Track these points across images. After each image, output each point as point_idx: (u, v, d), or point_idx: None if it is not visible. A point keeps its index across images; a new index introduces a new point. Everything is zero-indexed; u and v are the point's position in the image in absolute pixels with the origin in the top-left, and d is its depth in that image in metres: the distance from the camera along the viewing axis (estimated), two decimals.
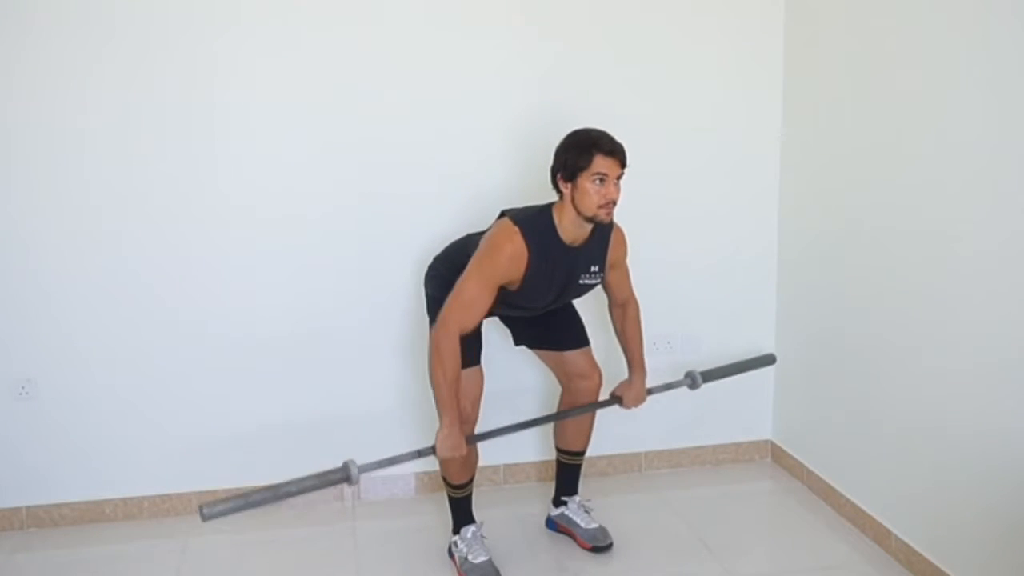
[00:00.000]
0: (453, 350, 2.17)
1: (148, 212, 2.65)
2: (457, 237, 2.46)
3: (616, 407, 2.54)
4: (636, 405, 2.53)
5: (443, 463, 2.43)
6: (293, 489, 2.06)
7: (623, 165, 2.16)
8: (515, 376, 2.89)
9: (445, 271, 2.40)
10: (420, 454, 2.24)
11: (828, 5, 2.70)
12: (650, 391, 2.55)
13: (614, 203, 2.16)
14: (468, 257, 2.30)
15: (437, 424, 2.23)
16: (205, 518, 1.94)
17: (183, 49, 2.59)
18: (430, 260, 2.48)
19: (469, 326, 2.21)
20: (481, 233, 2.43)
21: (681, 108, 2.92)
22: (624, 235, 2.39)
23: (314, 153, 2.72)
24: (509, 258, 2.16)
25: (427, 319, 2.46)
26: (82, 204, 2.61)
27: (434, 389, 2.22)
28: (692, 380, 2.61)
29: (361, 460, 2.67)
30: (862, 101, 2.52)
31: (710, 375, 2.64)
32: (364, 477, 2.88)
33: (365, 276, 2.81)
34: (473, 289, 2.18)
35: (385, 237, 2.80)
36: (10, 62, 2.50)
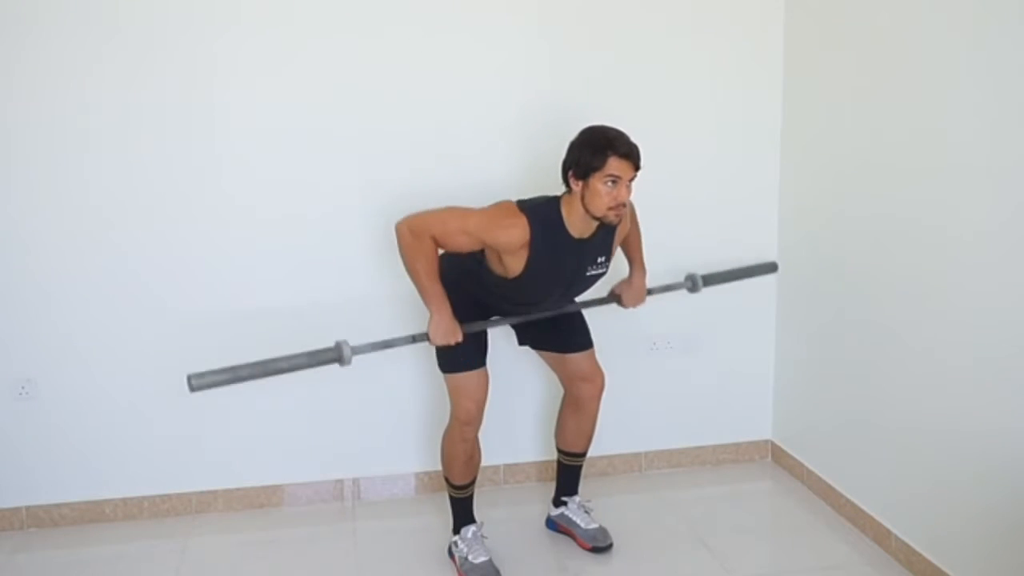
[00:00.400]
0: (425, 243, 2.14)
1: (149, 212, 2.65)
2: None
3: (616, 305, 2.53)
4: (636, 304, 2.51)
5: (447, 464, 2.43)
6: (283, 365, 2.03)
7: (637, 168, 2.14)
8: (518, 376, 2.89)
9: (449, 269, 2.39)
10: (414, 339, 2.22)
11: (828, 6, 2.70)
12: (650, 291, 2.54)
13: (624, 205, 2.14)
14: (473, 256, 2.29)
15: None
16: (193, 388, 1.94)
17: (184, 49, 2.59)
18: None
19: (441, 239, 2.16)
20: None
21: (681, 108, 2.92)
22: (631, 208, 2.35)
23: (315, 152, 2.72)
24: (507, 228, 2.14)
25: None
26: (82, 204, 2.61)
27: (414, 280, 2.20)
28: (692, 283, 2.58)
29: (362, 471, 2.69)
30: (862, 101, 2.52)
31: (711, 279, 2.60)
32: (364, 477, 2.92)
33: (367, 277, 2.80)
34: (460, 217, 2.16)
35: (387, 236, 2.79)
36: (11, 62, 2.51)
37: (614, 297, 2.52)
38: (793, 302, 3.02)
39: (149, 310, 2.70)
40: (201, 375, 1.95)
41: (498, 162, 2.81)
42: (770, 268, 2.82)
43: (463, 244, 2.18)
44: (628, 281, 2.52)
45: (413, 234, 2.16)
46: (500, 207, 2.20)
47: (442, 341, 2.22)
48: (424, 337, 2.23)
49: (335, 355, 2.11)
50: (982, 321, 2.10)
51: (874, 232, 2.50)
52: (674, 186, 2.92)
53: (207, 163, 2.67)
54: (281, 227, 2.74)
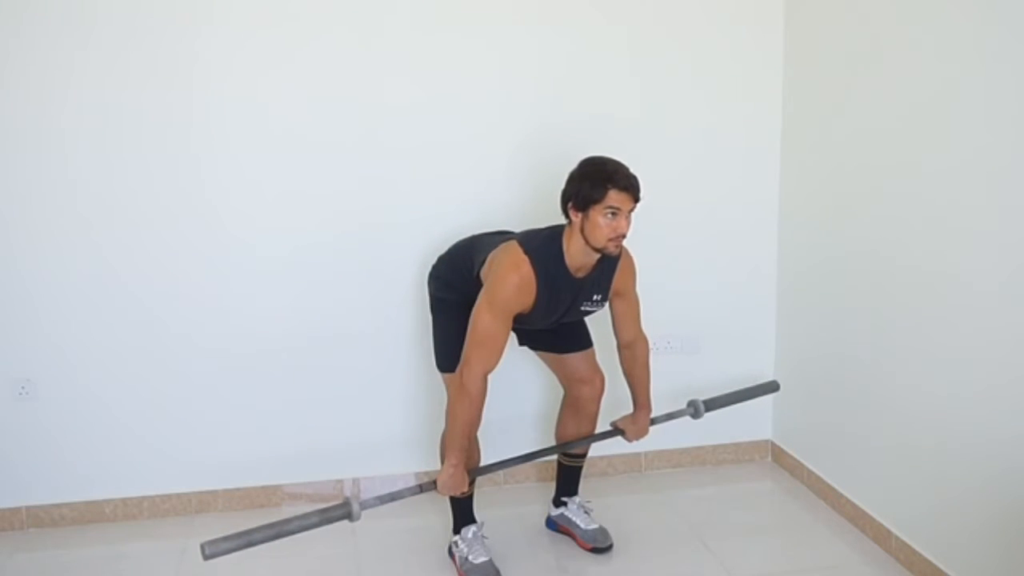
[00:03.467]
0: (479, 393, 2.18)
1: (149, 212, 2.65)
2: (461, 238, 2.46)
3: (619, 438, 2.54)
4: (638, 439, 2.53)
5: (444, 453, 2.43)
6: (294, 527, 2.05)
7: (636, 200, 2.14)
8: (518, 377, 2.89)
9: (447, 271, 2.40)
10: (422, 489, 2.26)
11: (828, 6, 2.70)
12: (653, 421, 2.55)
13: (623, 237, 2.14)
14: (470, 259, 2.30)
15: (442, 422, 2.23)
16: (207, 557, 1.93)
17: (180, 51, 2.59)
18: (433, 260, 2.48)
19: (491, 363, 2.18)
20: (485, 234, 2.43)
21: (681, 108, 2.92)
22: (633, 262, 2.36)
23: (311, 155, 2.72)
24: (518, 287, 2.15)
25: (430, 319, 2.46)
26: (83, 203, 2.61)
27: (448, 426, 2.23)
28: (695, 409, 2.60)
29: (361, 471, 2.71)
30: (862, 101, 2.52)
31: (713, 403, 2.63)
32: (364, 477, 2.92)
33: (366, 278, 2.80)
34: (487, 323, 2.16)
35: (387, 240, 2.80)
36: None
37: (618, 431, 2.53)
38: (793, 302, 3.02)
39: (149, 310, 2.70)
40: (214, 542, 1.95)
41: (500, 162, 2.82)
42: (771, 388, 2.81)
43: (502, 333, 2.19)
44: (632, 418, 2.52)
45: (462, 380, 2.17)
46: (503, 265, 2.18)
47: (449, 493, 2.27)
48: (432, 486, 2.26)
49: (344, 512, 2.12)
50: (982, 321, 2.10)
51: (874, 232, 2.50)
52: (674, 185, 2.92)
53: (208, 165, 2.67)
54: (281, 227, 2.74)
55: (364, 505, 2.15)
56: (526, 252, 2.17)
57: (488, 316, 2.16)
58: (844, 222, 2.66)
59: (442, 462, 2.44)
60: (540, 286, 2.17)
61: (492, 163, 2.81)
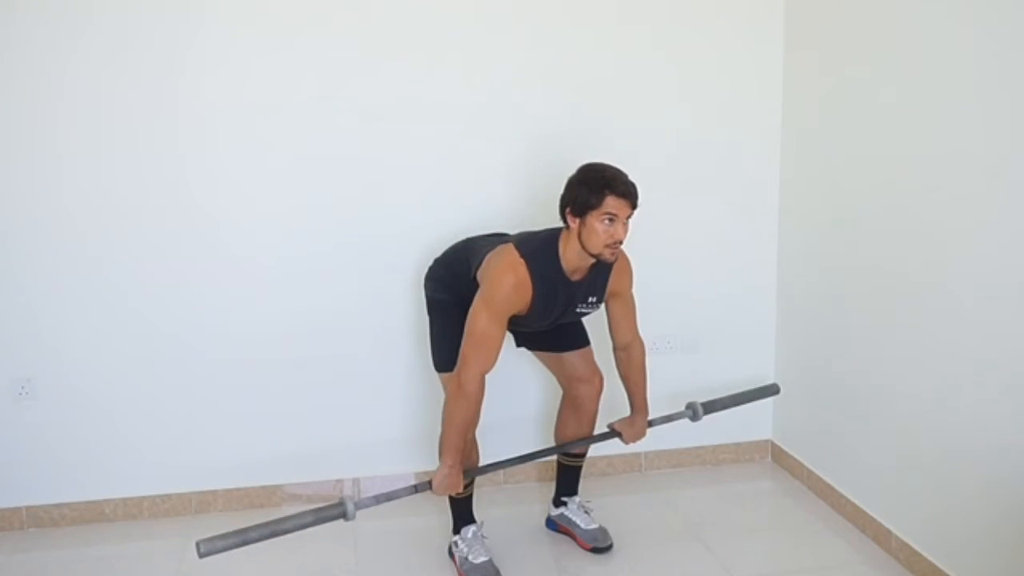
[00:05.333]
0: (476, 393, 2.18)
1: (150, 213, 2.65)
2: (457, 240, 2.46)
3: (616, 440, 2.54)
4: (635, 441, 2.53)
5: (441, 454, 2.43)
6: (290, 526, 2.06)
7: (634, 207, 2.14)
8: (518, 377, 2.89)
9: (444, 273, 2.40)
10: (416, 489, 2.27)
11: (828, 6, 2.70)
12: (650, 423, 2.55)
13: (620, 243, 2.15)
14: (466, 260, 2.30)
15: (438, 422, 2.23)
16: (202, 555, 1.93)
17: (174, 55, 2.59)
18: (430, 262, 2.49)
19: (488, 363, 2.19)
20: (481, 236, 2.44)
21: (681, 108, 2.92)
22: (629, 263, 2.36)
23: (309, 158, 2.72)
24: (514, 288, 2.15)
25: (427, 319, 2.46)
26: (83, 202, 2.61)
27: (445, 426, 2.23)
28: (693, 412, 2.60)
29: (361, 471, 2.70)
30: (862, 100, 2.52)
31: (711, 406, 2.62)
32: (364, 477, 2.92)
33: (364, 278, 2.80)
34: (483, 324, 2.16)
35: (384, 241, 2.80)
36: None
37: (615, 433, 2.53)
38: (793, 302, 3.02)
39: (149, 310, 2.70)
40: (209, 540, 1.95)
41: (498, 163, 2.81)
42: (772, 391, 2.81)
43: (499, 334, 2.19)
44: (630, 421, 2.52)
45: (460, 381, 2.18)
46: (499, 267, 2.18)
47: (444, 493, 2.27)
48: (427, 487, 2.26)
49: (339, 512, 2.12)
50: (983, 321, 2.10)
51: (874, 232, 2.50)
52: (674, 188, 2.93)
53: (209, 166, 2.67)
54: (279, 229, 2.74)
55: (359, 505, 2.15)
56: (522, 255, 2.18)
57: (485, 317, 2.16)
58: (844, 222, 2.66)
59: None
60: (536, 288, 2.18)
61: (489, 167, 2.81)
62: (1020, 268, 1.97)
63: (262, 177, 2.71)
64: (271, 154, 2.70)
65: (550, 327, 2.38)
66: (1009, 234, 1.99)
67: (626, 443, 2.52)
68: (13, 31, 2.49)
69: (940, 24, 2.19)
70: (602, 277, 2.29)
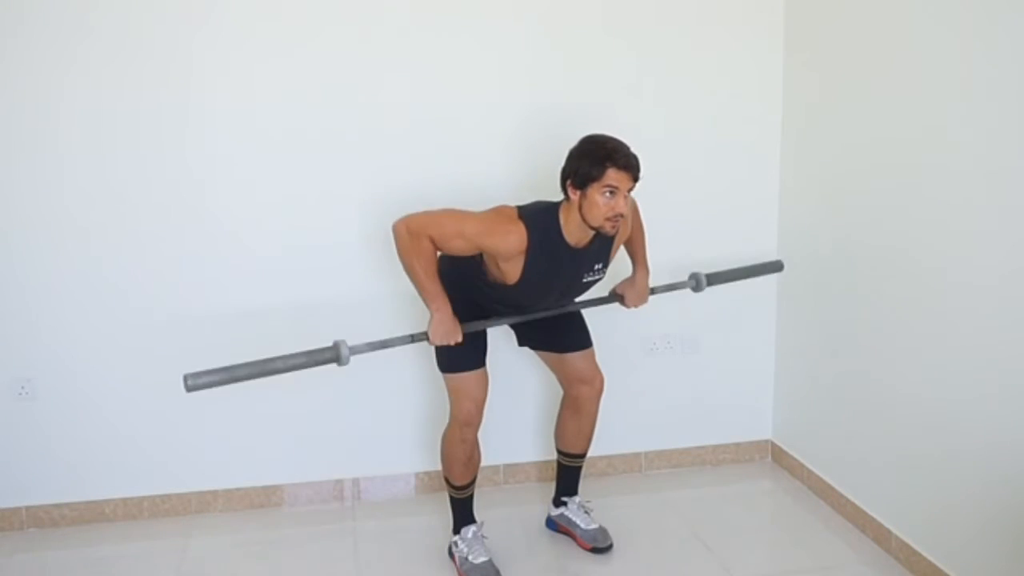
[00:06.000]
0: (423, 243, 2.14)
1: (149, 213, 2.65)
2: None
3: (618, 304, 2.51)
4: (638, 304, 2.50)
5: (447, 464, 2.42)
6: (280, 365, 2.02)
7: (635, 179, 2.13)
8: (518, 377, 2.89)
9: (448, 269, 2.39)
10: (413, 338, 2.22)
11: (828, 5, 2.70)
12: (653, 290, 2.52)
13: (621, 216, 2.13)
14: (467, 258, 2.29)
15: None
16: (189, 388, 1.93)
17: (175, 52, 2.59)
18: None
19: (429, 246, 2.15)
20: None
21: (681, 107, 2.92)
22: (635, 205, 2.34)
23: (308, 152, 2.71)
24: (504, 235, 2.14)
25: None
26: (83, 202, 2.61)
27: (413, 279, 2.20)
28: (696, 282, 2.56)
29: (361, 471, 2.68)
30: (862, 100, 2.52)
31: (715, 278, 2.58)
32: (364, 477, 2.92)
33: (364, 276, 2.80)
34: (458, 221, 2.15)
35: (384, 234, 2.78)
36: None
37: (616, 297, 2.51)
38: (793, 302, 3.02)
39: (149, 310, 2.70)
40: (197, 375, 1.95)
41: (498, 162, 2.81)
42: (775, 267, 2.80)
43: (460, 248, 2.18)
44: (631, 281, 2.51)
45: (411, 234, 2.15)
46: (499, 213, 2.20)
47: (442, 341, 2.22)
48: (423, 336, 2.23)
49: (333, 355, 2.10)
50: (983, 321, 2.10)
51: (874, 231, 2.50)
52: (675, 186, 2.92)
53: (204, 162, 2.67)
54: (279, 227, 2.74)
55: (354, 350, 2.12)
56: (521, 216, 2.17)
57: (462, 218, 2.15)
58: (845, 221, 2.66)
59: (442, 463, 2.45)
60: (532, 249, 2.15)
61: (490, 162, 2.81)
62: (1020, 269, 1.97)
63: (263, 177, 2.70)
64: (272, 153, 2.69)
65: (559, 302, 2.37)
66: (1010, 234, 1.99)
67: (628, 306, 2.49)
68: (15, 30, 2.49)
69: (940, 24, 2.19)
70: (606, 244, 2.28)
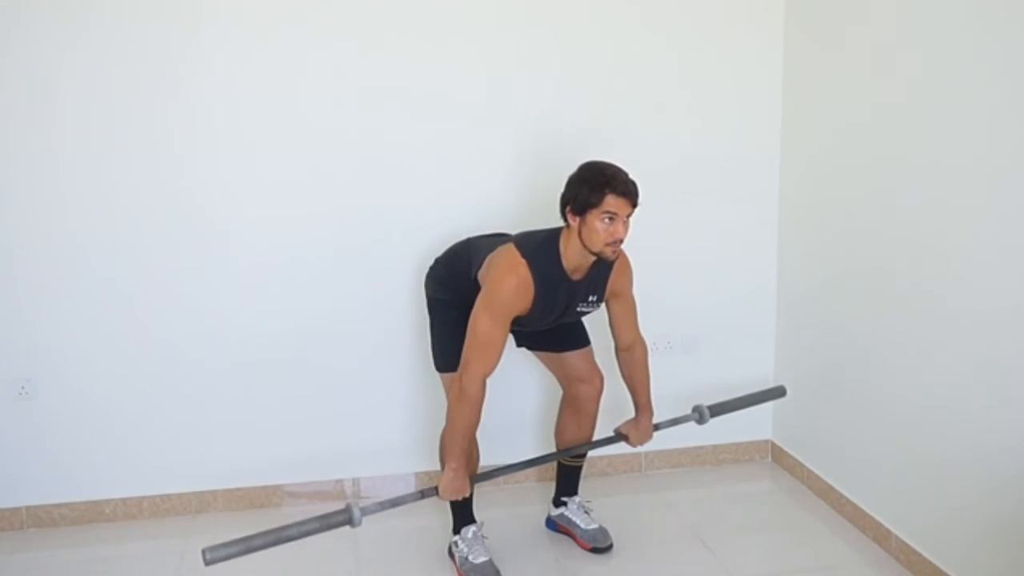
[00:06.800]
0: (478, 395, 2.18)
1: (149, 214, 2.65)
2: (458, 240, 2.46)
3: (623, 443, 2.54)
4: (642, 443, 2.52)
5: (445, 457, 2.43)
6: (294, 533, 2.06)
7: (634, 205, 2.14)
8: (518, 377, 2.89)
9: (444, 272, 2.40)
10: (423, 495, 2.26)
11: (828, 5, 2.70)
12: (656, 427, 2.54)
13: (621, 241, 2.15)
14: (467, 260, 2.30)
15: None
16: (208, 562, 1.95)
17: (171, 55, 2.59)
18: (430, 262, 2.49)
19: (490, 366, 2.18)
20: (481, 236, 2.43)
21: (682, 107, 2.93)
22: (629, 263, 2.36)
23: (310, 157, 2.72)
24: (515, 290, 2.15)
25: (427, 318, 2.46)
26: (83, 202, 2.62)
27: (448, 430, 2.24)
28: (700, 415, 2.59)
29: (361, 471, 2.69)
30: (863, 100, 2.52)
31: (717, 409, 2.61)
32: (364, 478, 2.92)
33: (365, 278, 2.80)
34: (486, 327, 2.16)
35: (385, 241, 2.80)
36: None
37: (621, 437, 2.53)
38: (793, 302, 3.02)
39: (148, 310, 2.70)
40: (215, 548, 1.96)
41: (498, 161, 2.82)
42: (779, 393, 2.80)
43: (501, 336, 2.18)
44: (635, 422, 2.52)
45: (463, 385, 2.17)
46: (500, 268, 2.18)
47: (451, 497, 2.28)
48: (433, 492, 2.27)
49: (345, 518, 2.11)
50: (983, 322, 2.10)
51: (874, 233, 2.50)
52: (675, 190, 2.93)
53: (208, 168, 2.67)
54: (279, 228, 2.74)
55: (365, 511, 2.15)
56: (523, 255, 2.18)
57: (487, 319, 2.16)
58: (845, 223, 2.66)
59: (441, 463, 2.44)
60: (538, 288, 2.18)
61: (489, 167, 2.81)
62: (1021, 270, 1.97)
63: (262, 181, 2.70)
64: (271, 157, 2.69)
65: (550, 326, 2.38)
66: (1011, 234, 1.99)
67: (633, 445, 2.52)
68: (9, 33, 2.49)
69: (941, 21, 2.18)
70: (602, 276, 2.29)
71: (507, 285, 2.15)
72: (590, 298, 2.30)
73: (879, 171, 2.46)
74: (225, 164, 2.68)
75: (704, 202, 3.00)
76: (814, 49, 2.79)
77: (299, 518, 2.79)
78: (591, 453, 2.69)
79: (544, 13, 2.77)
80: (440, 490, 2.24)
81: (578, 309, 2.31)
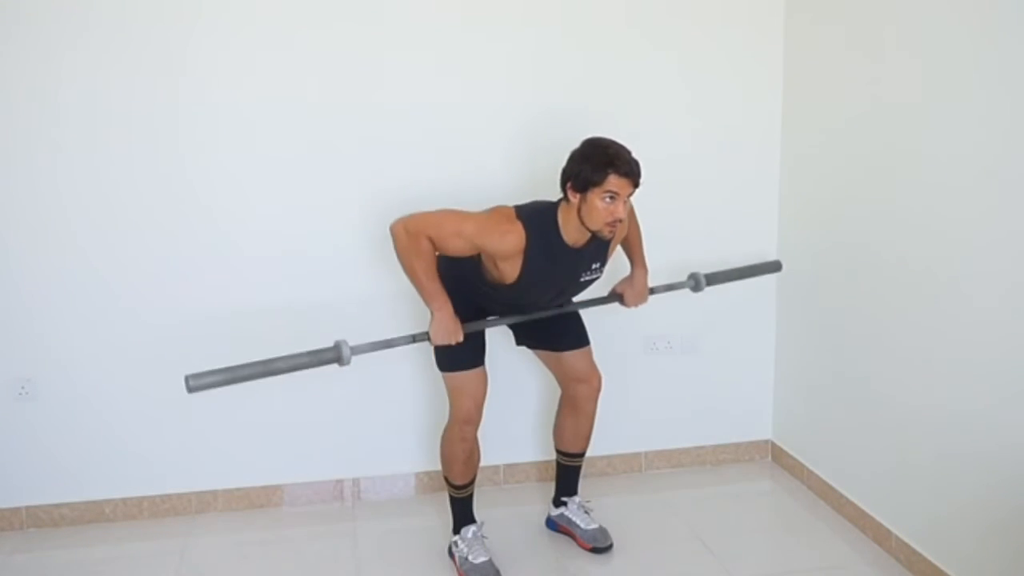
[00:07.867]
0: (422, 243, 2.14)
1: (149, 213, 2.65)
2: None
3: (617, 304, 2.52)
4: (638, 303, 2.50)
5: (447, 463, 2.43)
6: (282, 365, 2.02)
7: (636, 185, 2.13)
8: (518, 377, 2.89)
9: (445, 269, 2.40)
10: (415, 339, 2.22)
11: (828, 4, 2.70)
12: (652, 290, 2.52)
13: (620, 221, 2.14)
14: (465, 258, 2.29)
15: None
16: (191, 389, 1.93)
17: (171, 51, 2.58)
18: None
19: (428, 246, 2.15)
20: None
21: (681, 107, 2.92)
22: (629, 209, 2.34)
23: (310, 152, 2.71)
24: (503, 235, 2.14)
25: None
26: (83, 202, 2.61)
27: (413, 280, 2.21)
28: (695, 281, 2.56)
29: (361, 471, 2.67)
30: (862, 100, 2.52)
31: (714, 278, 2.57)
32: (364, 477, 2.92)
33: (364, 276, 2.80)
34: (456, 220, 2.15)
35: (384, 235, 2.79)
36: None
37: (616, 296, 2.51)
38: (793, 302, 3.02)
39: (148, 310, 2.70)
40: (199, 375, 1.95)
41: (498, 161, 2.81)
42: (774, 267, 2.81)
43: (458, 248, 2.18)
44: (630, 280, 2.51)
45: (409, 234, 2.16)
46: (498, 212, 2.20)
47: (443, 341, 2.22)
48: (424, 337, 2.23)
49: (334, 355, 2.10)
50: (983, 320, 2.10)
51: (874, 232, 2.50)
52: (674, 186, 2.92)
53: (207, 164, 2.66)
54: (278, 227, 2.74)
55: (355, 350, 2.12)
56: (519, 216, 2.18)
57: (461, 218, 2.15)
58: (845, 221, 2.66)
59: (442, 461, 2.45)
60: (531, 249, 2.16)
61: (490, 162, 2.81)
62: (1021, 270, 1.97)
63: (262, 177, 2.70)
64: (271, 153, 2.69)
65: (557, 301, 2.37)
66: (1011, 235, 1.99)
67: (628, 305, 2.49)
68: (10, 29, 2.49)
69: (941, 20, 2.19)
70: (604, 243, 2.28)
71: (497, 224, 2.15)
72: (594, 265, 2.29)
73: (879, 170, 2.46)
74: (226, 164, 2.68)
75: (704, 200, 2.99)
76: (814, 47, 2.79)
77: (299, 518, 2.83)
78: (591, 453, 2.68)
79: (551, 8, 2.77)
80: (431, 335, 2.21)
81: (582, 279, 2.30)
